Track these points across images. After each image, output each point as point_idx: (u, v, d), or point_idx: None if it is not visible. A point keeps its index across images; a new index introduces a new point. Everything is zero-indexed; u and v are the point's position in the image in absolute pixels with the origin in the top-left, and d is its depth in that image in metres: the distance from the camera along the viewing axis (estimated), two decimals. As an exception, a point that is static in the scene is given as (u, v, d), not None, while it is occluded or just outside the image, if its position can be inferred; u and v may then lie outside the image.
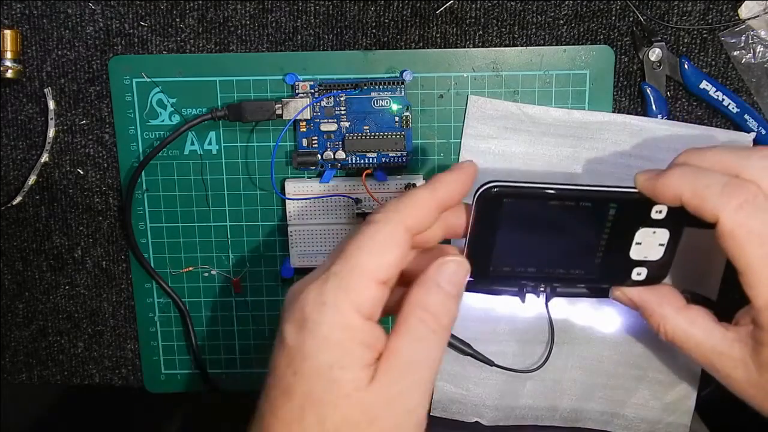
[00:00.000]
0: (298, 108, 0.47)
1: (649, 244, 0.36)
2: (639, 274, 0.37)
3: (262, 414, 0.30)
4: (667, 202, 0.34)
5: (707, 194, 0.32)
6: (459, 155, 0.47)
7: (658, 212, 0.35)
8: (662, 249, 0.36)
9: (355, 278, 0.29)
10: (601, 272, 0.37)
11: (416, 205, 0.31)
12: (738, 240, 0.31)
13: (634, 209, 0.35)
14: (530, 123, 0.47)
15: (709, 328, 0.35)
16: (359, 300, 0.29)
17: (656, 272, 0.37)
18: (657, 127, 0.46)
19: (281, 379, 0.29)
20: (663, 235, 0.35)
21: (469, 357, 0.47)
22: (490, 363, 0.47)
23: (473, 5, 0.47)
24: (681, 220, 0.35)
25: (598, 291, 0.39)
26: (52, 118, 0.49)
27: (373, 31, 0.48)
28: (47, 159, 0.49)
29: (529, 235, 0.35)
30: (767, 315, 0.32)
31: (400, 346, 0.30)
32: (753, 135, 0.46)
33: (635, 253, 0.36)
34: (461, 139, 0.47)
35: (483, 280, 0.36)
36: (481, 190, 0.33)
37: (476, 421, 0.49)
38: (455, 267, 0.31)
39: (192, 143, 0.49)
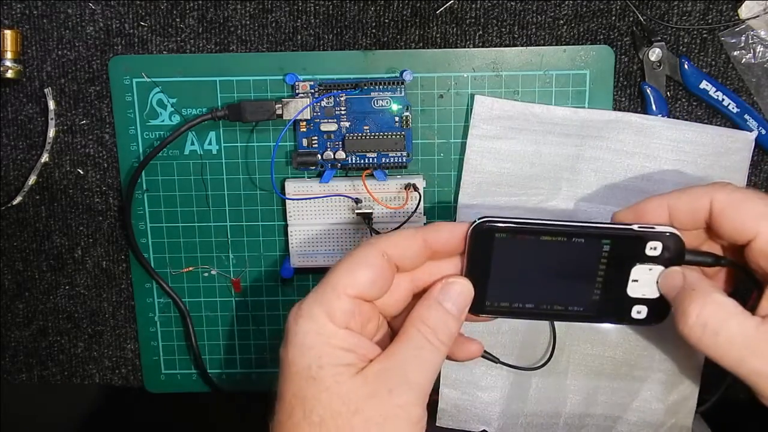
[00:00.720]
0: (298, 108, 0.47)
1: (646, 281, 0.35)
2: (639, 312, 0.36)
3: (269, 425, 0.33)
4: (687, 217, 0.34)
5: (745, 206, 0.33)
6: (464, 156, 0.47)
7: (653, 249, 0.34)
8: None
9: (328, 291, 0.32)
10: (600, 309, 0.36)
11: (399, 235, 0.34)
12: None
13: (628, 246, 0.35)
14: (537, 122, 0.46)
15: (741, 316, 0.32)
16: (331, 310, 0.32)
17: (657, 311, 0.36)
18: (662, 126, 0.46)
19: (278, 388, 0.33)
20: (659, 272, 0.35)
21: None
22: (496, 360, 0.47)
23: (473, 5, 0.47)
24: (678, 256, 0.35)
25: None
26: (52, 118, 0.49)
27: (373, 31, 0.48)
28: (47, 159, 0.49)
29: (524, 271, 0.35)
30: None
31: (395, 350, 0.32)
32: (755, 134, 0.46)
33: (633, 291, 0.36)
34: (467, 139, 0.47)
35: (480, 313, 0.36)
36: (473, 225, 0.34)
37: (483, 430, 0.49)
38: (459, 288, 0.34)
39: (192, 143, 0.49)
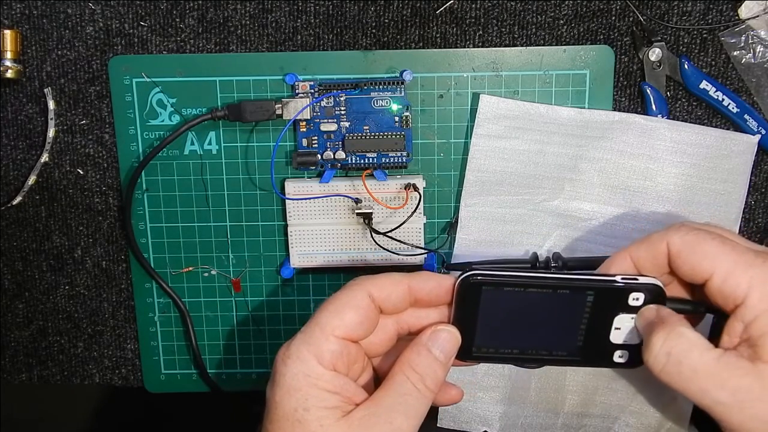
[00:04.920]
0: (298, 108, 0.47)
1: (628, 329, 0.36)
2: (621, 356, 0.37)
3: None
4: (650, 264, 0.35)
5: (699, 248, 0.34)
6: (468, 155, 0.47)
7: (636, 299, 0.35)
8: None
9: (316, 333, 0.33)
10: (583, 354, 0.37)
11: (385, 278, 0.35)
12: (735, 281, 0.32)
13: (611, 297, 0.36)
14: (541, 122, 0.46)
15: (704, 347, 0.33)
16: (319, 352, 0.32)
17: (638, 355, 0.36)
18: (665, 128, 0.46)
19: (263, 429, 0.33)
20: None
21: None
22: None
23: (473, 5, 0.47)
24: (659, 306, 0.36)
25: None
26: (52, 118, 0.49)
27: (373, 31, 0.48)
28: (47, 159, 0.49)
29: (511, 320, 0.37)
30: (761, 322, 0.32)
31: (383, 395, 0.33)
32: (758, 137, 0.46)
33: (615, 338, 0.36)
34: (471, 138, 0.47)
35: (467, 360, 0.37)
36: (461, 278, 0.35)
37: (485, 431, 0.49)
38: (447, 335, 0.35)
39: (192, 143, 0.49)
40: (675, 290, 0.37)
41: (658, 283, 0.35)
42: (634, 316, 0.36)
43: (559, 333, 0.37)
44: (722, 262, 0.33)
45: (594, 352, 0.37)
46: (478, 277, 0.35)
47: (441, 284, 0.35)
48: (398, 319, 0.36)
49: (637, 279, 0.35)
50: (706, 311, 0.36)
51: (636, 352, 0.36)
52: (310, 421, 0.31)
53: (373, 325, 0.35)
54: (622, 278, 0.35)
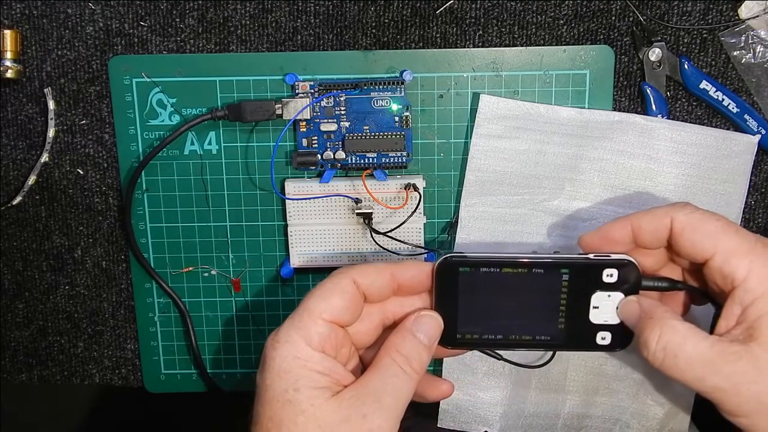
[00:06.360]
0: (298, 108, 0.47)
1: (606, 308, 0.37)
2: (603, 338, 0.37)
3: None
4: (650, 236, 0.36)
5: (703, 227, 0.34)
6: (468, 155, 0.47)
7: (609, 276, 0.36)
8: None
9: (305, 317, 0.34)
10: (566, 337, 0.38)
11: (369, 266, 0.36)
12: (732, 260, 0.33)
13: (585, 274, 0.36)
14: (541, 122, 0.46)
15: (697, 337, 0.33)
16: (308, 334, 0.34)
17: (620, 336, 0.37)
18: (665, 128, 0.46)
19: (254, 413, 0.34)
20: (619, 298, 0.37)
21: (476, 353, 0.47)
22: (498, 357, 0.47)
23: (473, 5, 0.47)
24: (634, 283, 0.36)
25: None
26: (52, 118, 0.49)
27: (373, 31, 0.48)
28: (47, 159, 0.49)
29: (491, 304, 0.37)
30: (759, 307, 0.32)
31: (370, 377, 0.34)
32: (758, 137, 0.46)
33: (595, 318, 0.37)
34: (471, 138, 0.47)
35: (451, 346, 0.38)
36: (438, 261, 0.36)
37: (485, 431, 0.49)
38: (429, 320, 0.36)
39: (192, 143, 0.49)
40: (670, 273, 0.38)
41: (632, 259, 0.36)
42: (610, 294, 0.36)
43: (540, 316, 0.37)
44: (724, 242, 0.34)
45: (576, 334, 0.38)
46: (454, 258, 0.36)
47: (422, 270, 0.36)
48: (383, 308, 0.37)
49: (609, 256, 0.36)
50: (684, 288, 0.37)
51: (618, 332, 0.37)
52: (301, 401, 0.32)
53: (359, 311, 0.36)
54: (595, 255, 0.36)
